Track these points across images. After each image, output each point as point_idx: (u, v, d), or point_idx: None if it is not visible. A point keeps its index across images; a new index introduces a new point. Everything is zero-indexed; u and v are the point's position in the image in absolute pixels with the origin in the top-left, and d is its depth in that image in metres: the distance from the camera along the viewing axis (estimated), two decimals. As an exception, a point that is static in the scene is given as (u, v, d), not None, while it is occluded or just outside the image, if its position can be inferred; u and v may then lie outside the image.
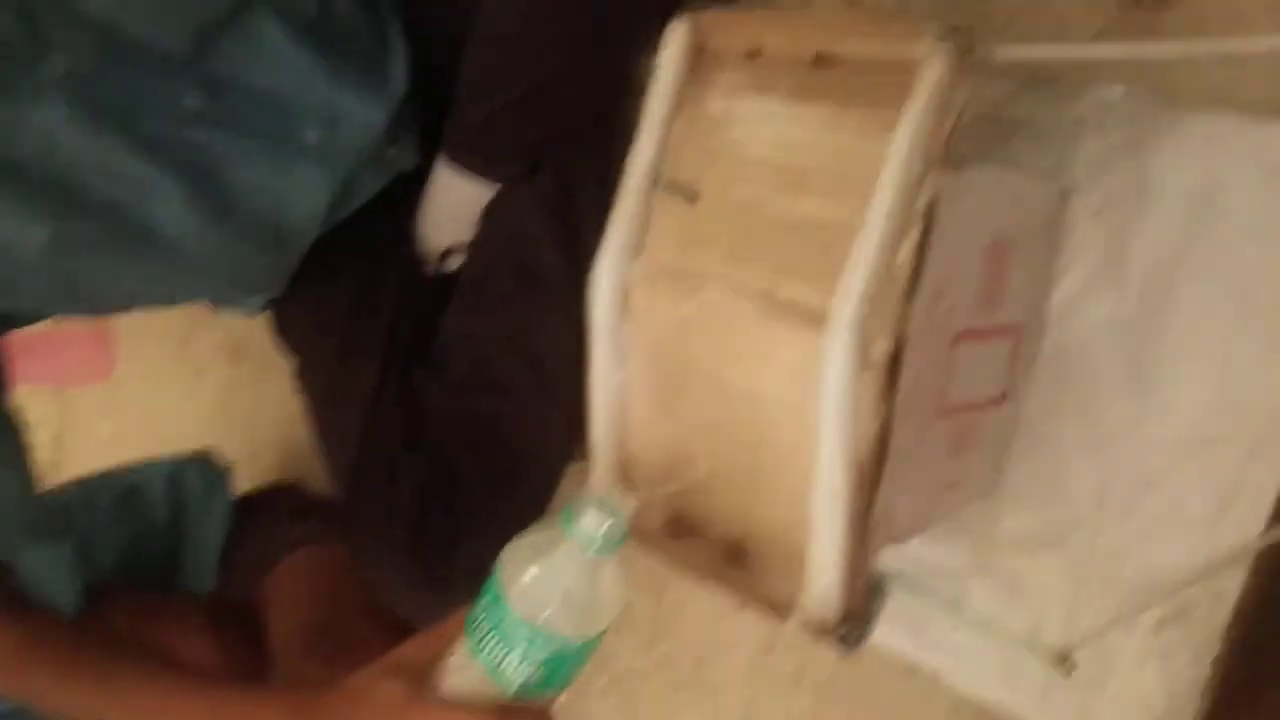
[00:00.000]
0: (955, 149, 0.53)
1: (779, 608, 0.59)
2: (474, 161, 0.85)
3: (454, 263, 0.91)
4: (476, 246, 0.89)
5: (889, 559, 0.70)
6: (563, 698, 0.58)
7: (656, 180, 0.64)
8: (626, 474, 0.69)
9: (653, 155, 0.64)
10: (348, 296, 0.92)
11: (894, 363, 0.53)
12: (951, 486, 0.64)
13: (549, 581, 0.54)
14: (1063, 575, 0.68)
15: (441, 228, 0.90)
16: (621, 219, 0.65)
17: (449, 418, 0.86)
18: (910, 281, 0.53)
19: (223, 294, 0.93)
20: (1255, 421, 0.60)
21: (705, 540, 0.65)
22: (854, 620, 0.58)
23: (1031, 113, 0.67)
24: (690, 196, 0.63)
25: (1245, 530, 0.61)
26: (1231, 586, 0.62)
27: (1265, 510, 0.61)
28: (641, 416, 0.68)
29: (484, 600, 0.56)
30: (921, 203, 0.52)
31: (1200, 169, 0.61)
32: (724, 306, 0.60)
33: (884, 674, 0.77)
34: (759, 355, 0.59)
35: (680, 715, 0.94)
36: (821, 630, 0.57)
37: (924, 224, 0.52)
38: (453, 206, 0.89)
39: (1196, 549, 0.63)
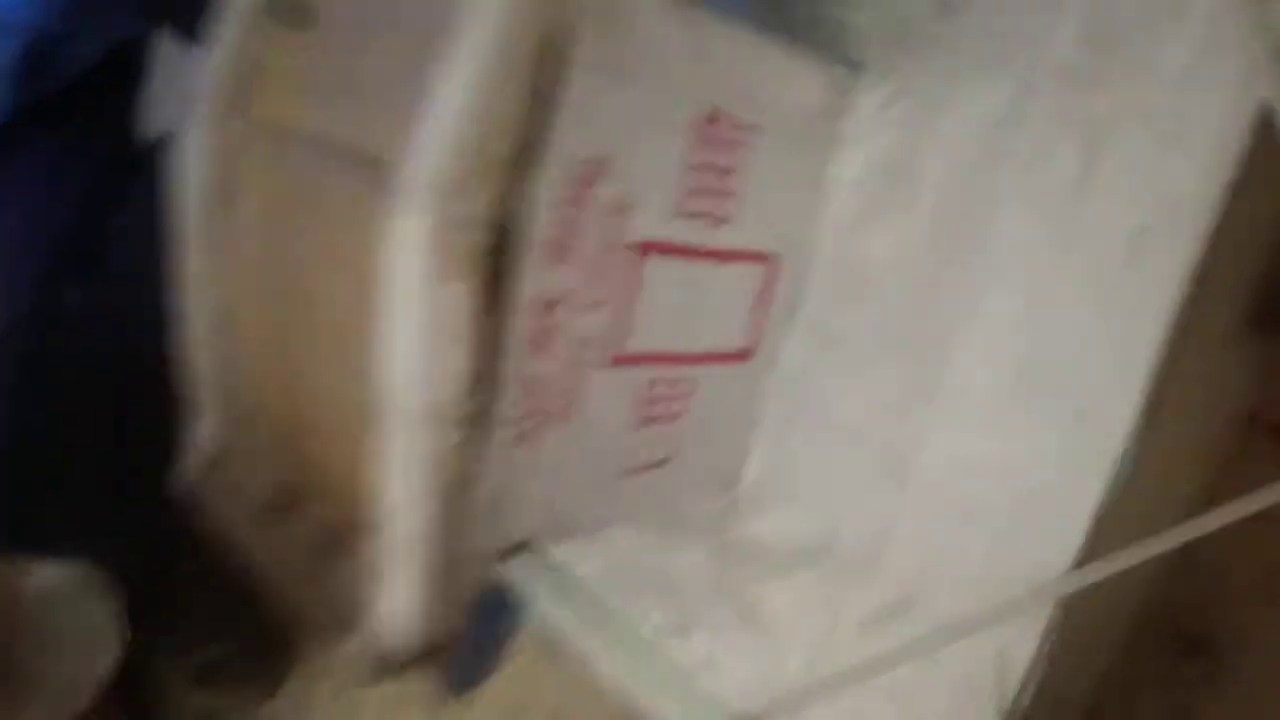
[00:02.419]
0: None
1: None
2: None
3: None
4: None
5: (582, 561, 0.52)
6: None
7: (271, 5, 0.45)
8: (239, 437, 0.50)
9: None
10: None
11: (501, 261, 0.35)
12: (640, 470, 0.46)
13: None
14: (812, 604, 0.50)
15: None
16: (221, 59, 0.46)
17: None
18: (526, 135, 0.34)
19: None
20: (1075, 401, 0.42)
21: (303, 522, 0.46)
22: (442, 654, 0.39)
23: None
24: (300, 19, 0.43)
25: (1048, 569, 0.43)
26: (1025, 644, 0.44)
27: (1076, 541, 0.43)
28: (255, 349, 0.49)
29: None
30: (548, 18, 0.33)
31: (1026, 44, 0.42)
32: (317, 174, 0.41)
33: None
34: (345, 246, 0.40)
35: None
36: (389, 666, 0.39)
37: (552, 52, 0.34)
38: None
39: (986, 591, 0.45)
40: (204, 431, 0.51)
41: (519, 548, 0.43)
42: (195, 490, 0.49)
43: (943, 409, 0.45)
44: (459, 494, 0.36)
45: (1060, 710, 0.52)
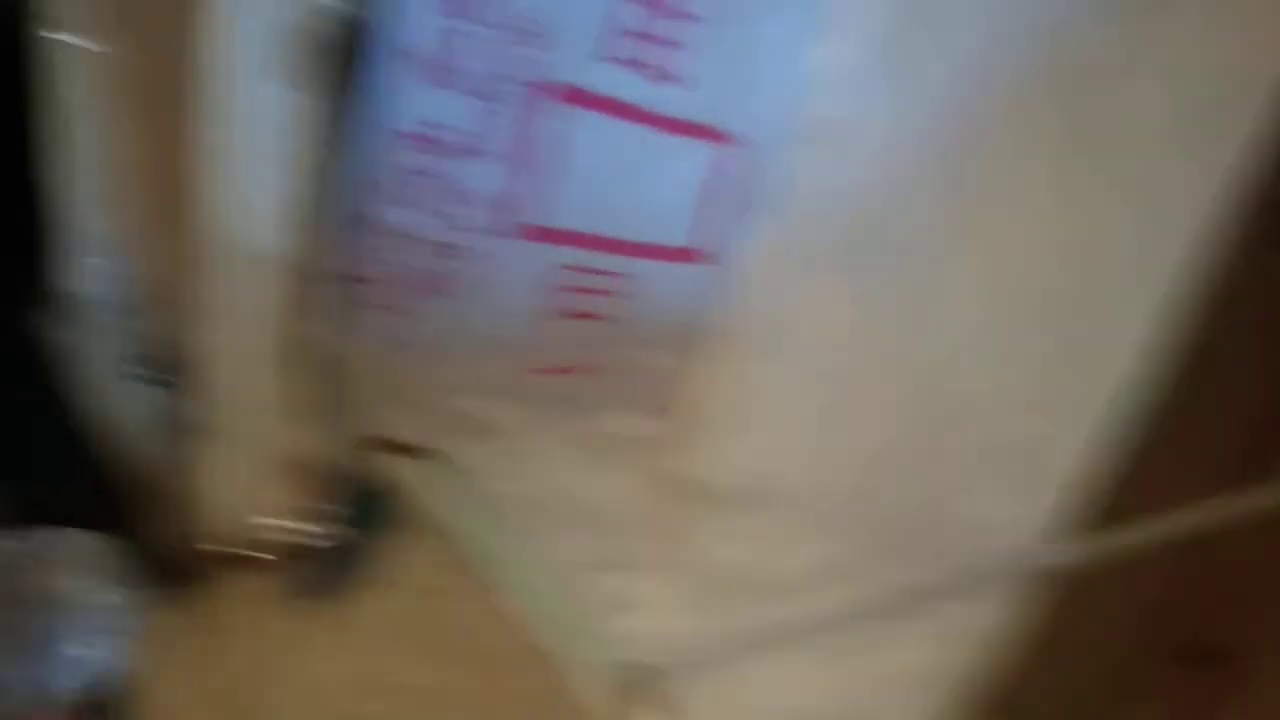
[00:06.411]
0: None
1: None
2: None
3: None
4: None
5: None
6: None
7: None
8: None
9: None
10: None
11: (348, 64, 0.28)
12: (552, 372, 0.39)
13: None
14: (747, 552, 0.43)
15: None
16: None
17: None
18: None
19: None
20: (1074, 337, 0.34)
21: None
22: (288, 552, 0.33)
23: None
24: None
25: (1016, 542, 0.36)
26: (981, 627, 0.37)
27: (1047, 508, 0.35)
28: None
29: None
30: None
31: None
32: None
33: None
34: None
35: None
36: (210, 556, 0.33)
37: None
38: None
39: (943, 562, 0.37)
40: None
41: (397, 446, 0.37)
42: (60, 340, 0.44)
43: (914, 341, 0.38)
44: (290, 361, 0.30)
45: None
